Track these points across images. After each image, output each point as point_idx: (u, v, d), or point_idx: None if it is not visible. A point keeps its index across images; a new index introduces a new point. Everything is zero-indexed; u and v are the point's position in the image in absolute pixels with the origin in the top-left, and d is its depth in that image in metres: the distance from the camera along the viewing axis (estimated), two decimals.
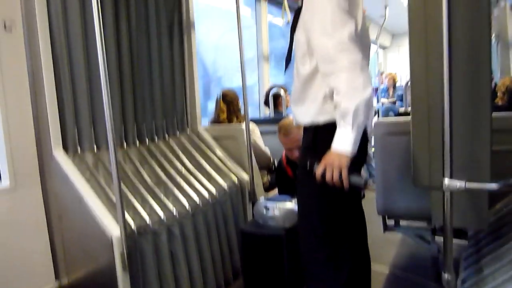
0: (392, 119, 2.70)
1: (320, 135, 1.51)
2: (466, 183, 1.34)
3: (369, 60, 1.56)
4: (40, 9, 1.88)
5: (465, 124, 1.56)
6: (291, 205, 2.23)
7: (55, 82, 1.96)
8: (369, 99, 1.34)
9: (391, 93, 6.62)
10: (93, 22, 1.68)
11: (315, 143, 1.54)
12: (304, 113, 1.59)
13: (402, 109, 4.17)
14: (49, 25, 1.93)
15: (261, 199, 2.36)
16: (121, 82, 2.31)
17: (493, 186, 1.34)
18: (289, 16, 3.91)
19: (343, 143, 1.36)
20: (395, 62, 8.51)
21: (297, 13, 1.59)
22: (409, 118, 1.85)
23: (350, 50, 1.33)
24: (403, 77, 7.78)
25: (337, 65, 1.34)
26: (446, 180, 1.37)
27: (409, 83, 5.33)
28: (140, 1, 2.43)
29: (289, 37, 1.63)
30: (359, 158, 1.49)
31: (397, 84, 6.96)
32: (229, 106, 3.14)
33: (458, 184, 1.36)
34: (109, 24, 2.15)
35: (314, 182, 1.43)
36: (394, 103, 6.39)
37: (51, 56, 1.94)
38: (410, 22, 1.77)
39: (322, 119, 1.51)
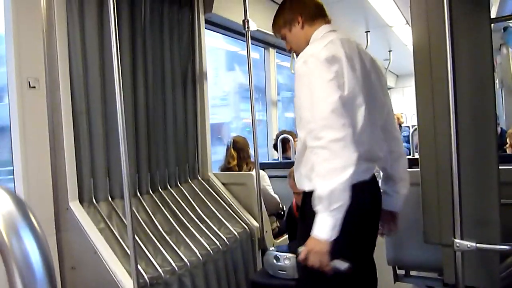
0: None
1: (308, 204, 1.43)
2: (477, 244, 1.36)
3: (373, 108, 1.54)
4: (62, 67, 1.98)
5: (474, 183, 1.59)
6: None
7: (74, 136, 2.03)
8: (347, 181, 1.28)
9: None
10: (112, 77, 1.77)
11: (303, 211, 1.55)
12: (298, 177, 1.61)
13: (409, 156, 4.20)
14: (70, 82, 2.03)
15: (271, 248, 2.37)
16: (137, 132, 2.39)
17: (505, 248, 1.36)
18: (288, 45, 4.03)
19: (321, 229, 1.31)
20: (400, 102, 8.62)
21: None
22: (417, 169, 1.89)
23: (332, 126, 1.31)
24: (408, 117, 7.87)
25: (318, 143, 1.32)
26: (457, 241, 1.40)
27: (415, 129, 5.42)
28: (156, 55, 2.54)
29: None
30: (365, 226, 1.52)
31: (403, 125, 7.03)
32: (239, 153, 3.20)
33: (469, 244, 1.38)
34: (126, 79, 2.25)
35: None
36: None
37: (71, 111, 2.02)
38: (416, 73, 1.84)
39: (307, 187, 1.51)
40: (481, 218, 1.55)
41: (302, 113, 1.43)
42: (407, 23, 4.75)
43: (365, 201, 1.49)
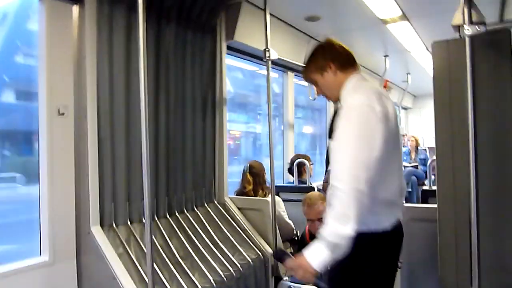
0: (417, 205, 2.71)
1: None
2: None
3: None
4: (90, 95, 2.06)
5: (494, 227, 1.59)
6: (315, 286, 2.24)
7: (98, 162, 2.09)
8: (349, 236, 1.35)
9: (413, 156, 6.62)
10: (136, 104, 1.82)
11: None
12: None
13: (426, 187, 4.18)
14: (97, 110, 2.10)
15: (285, 278, 2.39)
16: (157, 157, 2.44)
17: None
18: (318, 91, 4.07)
19: (316, 259, 1.39)
20: (417, 123, 8.56)
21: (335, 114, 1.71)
22: (434, 206, 1.89)
23: (359, 177, 1.39)
24: (425, 139, 7.81)
25: (340, 185, 1.39)
26: None
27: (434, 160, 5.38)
28: (178, 81, 2.61)
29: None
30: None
31: (419, 147, 6.98)
32: (255, 178, 3.22)
33: None
34: (149, 106, 2.30)
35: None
36: (416, 167, 6.38)
37: (97, 138, 2.09)
38: (435, 104, 1.85)
39: None
40: (501, 265, 1.54)
41: (333, 165, 1.49)
42: (427, 49, 4.76)
43: (388, 250, 1.57)
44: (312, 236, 2.68)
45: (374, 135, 1.44)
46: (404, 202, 1.79)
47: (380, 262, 1.54)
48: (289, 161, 4.03)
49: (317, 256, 1.39)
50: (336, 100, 1.71)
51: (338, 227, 1.36)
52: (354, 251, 1.51)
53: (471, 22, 1.55)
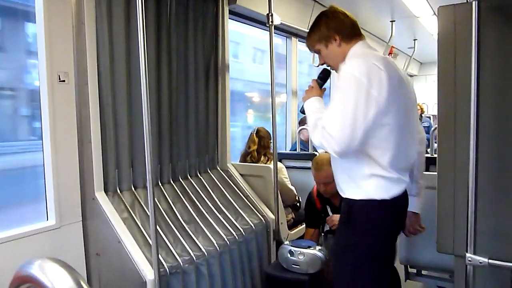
0: None
1: (357, 213, 1.61)
2: (489, 260, 1.39)
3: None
4: (91, 62, 2.04)
5: (493, 194, 1.61)
6: (316, 251, 2.30)
7: (100, 128, 2.11)
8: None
9: None
10: (138, 71, 1.81)
11: (349, 218, 1.64)
12: (340, 182, 1.73)
13: (428, 154, 4.17)
14: (98, 76, 2.09)
15: (286, 242, 2.44)
16: (160, 124, 2.45)
17: None
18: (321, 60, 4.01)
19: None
20: (423, 90, 8.46)
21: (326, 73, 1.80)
22: (435, 172, 1.91)
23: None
24: (430, 106, 7.75)
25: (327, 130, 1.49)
26: (469, 255, 1.43)
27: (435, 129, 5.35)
28: (181, 47, 2.58)
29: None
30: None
31: (424, 114, 6.93)
32: (260, 141, 3.34)
33: (481, 260, 1.41)
34: (151, 72, 2.30)
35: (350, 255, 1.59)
36: None
37: (98, 104, 2.09)
38: (440, 67, 1.83)
39: (358, 195, 1.61)
40: (497, 231, 1.56)
41: (330, 115, 1.51)
42: (434, 13, 4.64)
43: (391, 218, 1.61)
44: (320, 194, 2.70)
45: (365, 107, 1.46)
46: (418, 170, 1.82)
47: (383, 230, 1.59)
48: (292, 129, 4.05)
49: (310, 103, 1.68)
50: (338, 69, 1.69)
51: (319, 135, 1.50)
52: (355, 217, 1.56)
53: None
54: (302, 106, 1.77)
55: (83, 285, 0.61)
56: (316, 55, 1.83)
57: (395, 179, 1.57)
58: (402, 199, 1.63)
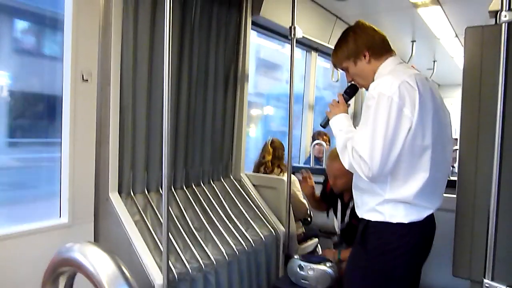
0: None
1: (372, 234, 1.57)
2: (508, 287, 1.35)
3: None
4: (114, 63, 2.07)
5: (511, 222, 1.57)
6: (326, 267, 2.26)
7: (119, 130, 2.12)
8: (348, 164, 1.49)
9: None
10: (158, 75, 1.82)
11: (364, 237, 1.59)
12: (360, 204, 1.68)
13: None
14: (120, 77, 2.11)
15: (296, 256, 2.41)
16: (177, 129, 2.46)
17: None
18: (339, 75, 4.02)
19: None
20: None
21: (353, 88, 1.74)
22: (452, 196, 1.87)
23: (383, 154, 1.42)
24: None
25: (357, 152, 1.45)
26: (487, 282, 1.39)
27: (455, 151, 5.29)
28: (202, 54, 2.60)
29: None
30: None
31: None
32: (275, 151, 3.31)
33: (499, 287, 1.37)
34: (172, 77, 2.30)
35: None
36: None
37: (119, 106, 2.11)
38: (464, 93, 1.80)
39: (373, 218, 1.57)
40: None
41: (361, 137, 1.46)
42: (456, 36, 4.62)
43: (411, 242, 1.54)
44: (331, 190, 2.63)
45: (397, 128, 1.40)
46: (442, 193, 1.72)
47: (401, 253, 1.53)
48: (306, 142, 4.04)
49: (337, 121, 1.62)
50: (367, 87, 1.63)
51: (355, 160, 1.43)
52: (380, 242, 1.52)
53: (509, 8, 1.49)
54: (325, 120, 1.74)
55: (124, 270, 0.60)
56: (336, 70, 1.80)
57: (421, 206, 1.52)
58: (426, 225, 1.57)
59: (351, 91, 1.77)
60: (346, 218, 2.43)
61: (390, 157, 1.39)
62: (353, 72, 1.66)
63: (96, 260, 0.59)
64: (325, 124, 1.74)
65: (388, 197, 1.50)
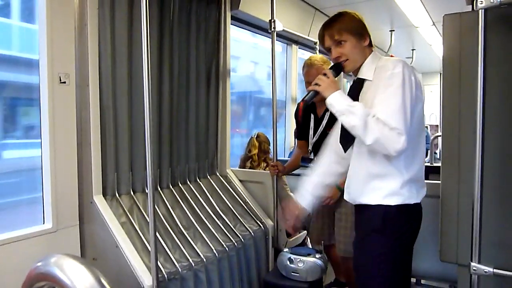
0: None
1: (392, 219, 1.58)
2: (494, 270, 1.37)
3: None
4: (92, 64, 2.03)
5: (498, 202, 1.59)
6: (315, 259, 2.28)
7: (100, 131, 2.08)
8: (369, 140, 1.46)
9: None
10: (139, 74, 1.79)
11: (385, 223, 1.58)
12: (371, 190, 1.67)
13: (428, 164, 4.18)
14: (99, 78, 2.07)
15: (285, 249, 2.42)
16: (160, 128, 2.43)
17: None
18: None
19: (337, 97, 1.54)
20: None
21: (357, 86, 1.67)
22: (439, 181, 1.89)
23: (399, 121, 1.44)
24: (427, 116, 7.78)
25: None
26: (474, 265, 1.41)
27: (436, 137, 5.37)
28: (183, 51, 2.57)
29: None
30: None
31: None
32: (260, 145, 3.40)
33: (486, 269, 1.39)
34: (153, 76, 2.27)
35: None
36: None
37: (99, 107, 2.07)
38: (444, 81, 1.83)
39: (393, 202, 1.58)
40: (502, 241, 1.55)
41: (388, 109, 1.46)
42: (434, 24, 4.67)
43: (417, 223, 1.63)
44: (305, 109, 2.64)
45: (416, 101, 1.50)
46: None
47: (409, 234, 1.60)
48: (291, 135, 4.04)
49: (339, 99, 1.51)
50: (351, 70, 1.66)
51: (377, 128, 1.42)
52: (385, 222, 1.55)
53: None
54: (311, 96, 1.62)
55: (104, 282, 0.58)
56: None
57: (423, 185, 1.63)
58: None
59: (336, 70, 1.65)
60: (320, 130, 2.50)
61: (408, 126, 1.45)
62: (350, 47, 1.61)
63: (74, 273, 0.57)
64: (310, 99, 1.64)
65: (407, 177, 1.54)
